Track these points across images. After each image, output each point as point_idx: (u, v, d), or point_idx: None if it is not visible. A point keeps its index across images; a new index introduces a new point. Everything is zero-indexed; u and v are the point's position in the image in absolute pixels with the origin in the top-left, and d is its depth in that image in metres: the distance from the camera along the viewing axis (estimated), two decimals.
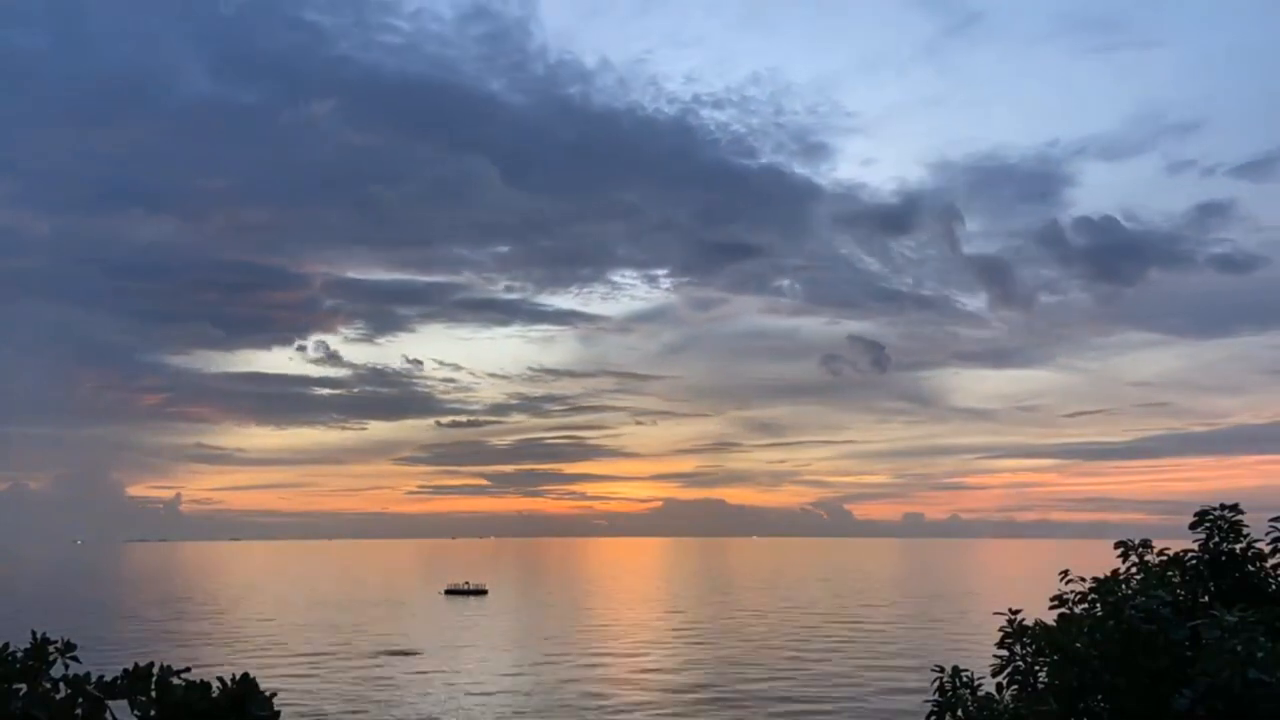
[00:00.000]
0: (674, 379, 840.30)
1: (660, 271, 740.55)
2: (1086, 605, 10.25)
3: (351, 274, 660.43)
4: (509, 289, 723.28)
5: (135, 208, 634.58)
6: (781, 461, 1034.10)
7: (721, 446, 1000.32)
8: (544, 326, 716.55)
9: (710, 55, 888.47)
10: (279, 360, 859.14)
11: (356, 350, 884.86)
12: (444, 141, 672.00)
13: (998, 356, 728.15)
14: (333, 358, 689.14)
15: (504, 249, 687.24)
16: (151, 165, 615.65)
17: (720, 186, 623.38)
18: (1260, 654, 8.09)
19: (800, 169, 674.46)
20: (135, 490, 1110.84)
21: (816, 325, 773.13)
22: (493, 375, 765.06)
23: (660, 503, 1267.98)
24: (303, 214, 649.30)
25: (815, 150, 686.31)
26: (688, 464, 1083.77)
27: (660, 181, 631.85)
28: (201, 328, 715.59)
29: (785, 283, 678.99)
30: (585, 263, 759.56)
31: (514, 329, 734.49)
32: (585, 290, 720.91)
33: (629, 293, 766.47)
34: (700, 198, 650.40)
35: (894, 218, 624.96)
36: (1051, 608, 10.52)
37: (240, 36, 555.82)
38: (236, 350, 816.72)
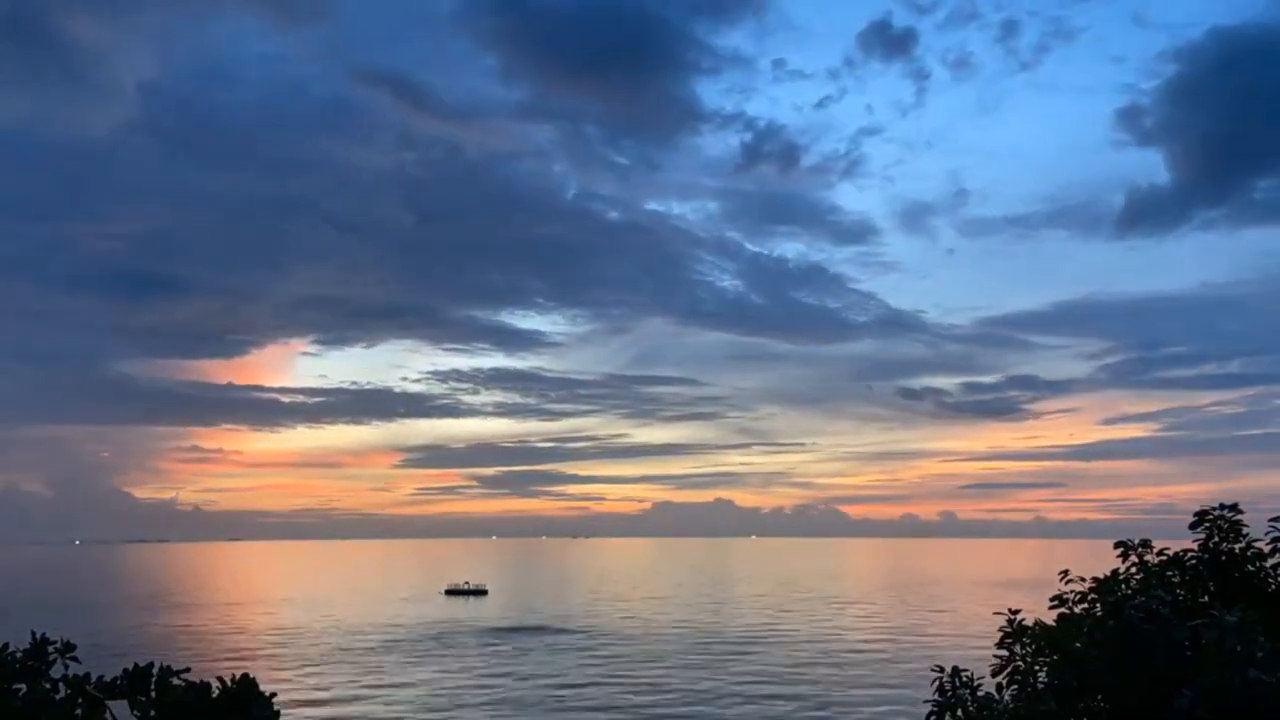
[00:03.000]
0: (661, 383, 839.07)
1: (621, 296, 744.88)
2: (1086, 605, 10.23)
3: (325, 289, 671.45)
4: (477, 305, 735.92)
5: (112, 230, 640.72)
6: (771, 463, 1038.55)
7: (713, 448, 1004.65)
8: (516, 339, 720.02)
9: None
10: (275, 365, 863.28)
11: (350, 357, 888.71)
12: None
13: (971, 361, 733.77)
14: (321, 366, 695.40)
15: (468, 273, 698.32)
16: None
17: None
18: (1260, 654, 8.08)
19: None
20: (134, 491, 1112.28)
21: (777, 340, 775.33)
22: (481, 383, 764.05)
23: (651, 504, 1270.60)
24: (278, 230, 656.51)
25: None
26: (680, 466, 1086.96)
27: None
28: (190, 339, 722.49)
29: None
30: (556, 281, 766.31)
31: (490, 341, 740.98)
32: (551, 306, 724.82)
33: (596, 311, 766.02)
34: None
35: None
36: (1051, 608, 10.47)
37: None
38: (237, 355, 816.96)
